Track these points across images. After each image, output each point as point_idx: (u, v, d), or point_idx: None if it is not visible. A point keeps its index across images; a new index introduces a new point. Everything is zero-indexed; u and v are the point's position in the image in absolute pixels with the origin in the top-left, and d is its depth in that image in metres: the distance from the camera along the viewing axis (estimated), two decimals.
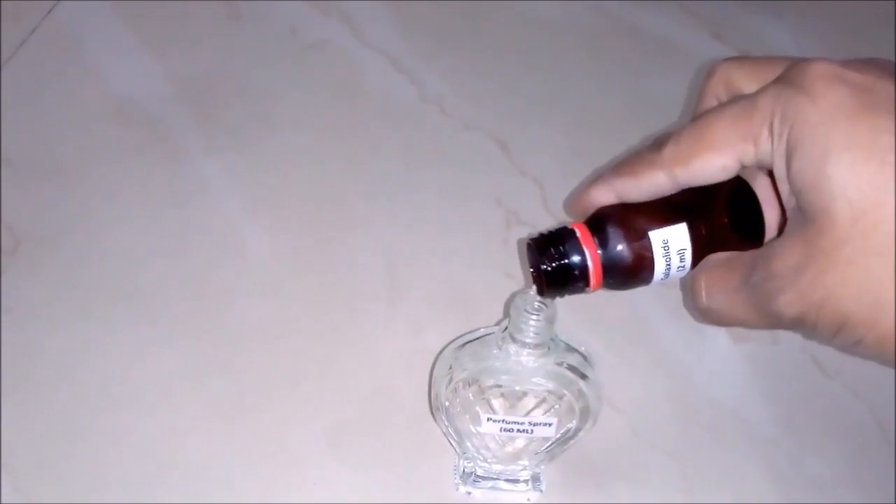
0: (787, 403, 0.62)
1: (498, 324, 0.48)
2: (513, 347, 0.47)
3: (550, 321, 0.46)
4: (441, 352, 0.51)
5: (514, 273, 0.69)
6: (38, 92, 0.78)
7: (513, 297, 0.46)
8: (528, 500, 0.54)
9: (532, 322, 0.46)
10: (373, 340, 0.63)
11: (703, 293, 0.39)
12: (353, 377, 0.61)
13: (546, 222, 0.74)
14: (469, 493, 0.54)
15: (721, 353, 0.65)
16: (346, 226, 0.71)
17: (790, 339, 0.66)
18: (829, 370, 0.65)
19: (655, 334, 0.66)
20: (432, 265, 0.69)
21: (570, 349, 0.49)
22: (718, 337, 0.66)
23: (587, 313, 0.66)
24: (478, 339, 0.49)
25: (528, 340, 0.46)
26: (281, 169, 0.75)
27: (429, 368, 0.58)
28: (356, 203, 0.73)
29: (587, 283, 0.40)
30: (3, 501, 0.53)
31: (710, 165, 0.37)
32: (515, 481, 0.54)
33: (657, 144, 0.38)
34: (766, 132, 0.35)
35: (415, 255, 0.70)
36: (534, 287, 0.42)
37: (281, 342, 0.62)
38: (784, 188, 0.35)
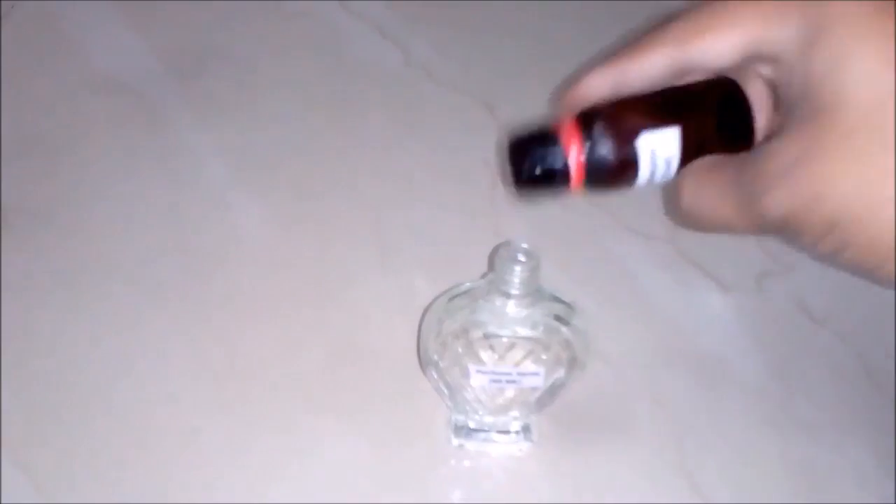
0: (775, 351, 0.63)
1: (484, 276, 0.49)
2: (499, 299, 0.48)
3: (535, 271, 0.47)
4: (429, 306, 0.51)
5: (503, 231, 0.69)
6: (21, 67, 0.78)
7: (497, 248, 0.47)
8: (520, 450, 0.55)
9: (517, 272, 0.46)
10: (363, 301, 0.64)
11: (688, 194, 0.38)
12: (345, 337, 0.61)
13: None
14: (461, 446, 0.55)
15: (708, 302, 0.66)
16: (334, 190, 0.71)
17: (778, 288, 0.67)
18: (817, 317, 0.65)
19: (643, 286, 0.66)
20: (421, 226, 0.69)
21: (556, 299, 0.49)
22: (705, 287, 0.66)
23: (575, 268, 0.67)
24: (465, 292, 0.50)
25: (513, 291, 0.47)
26: (268, 137, 0.75)
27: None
28: (344, 168, 0.73)
29: (567, 185, 0.38)
30: (1, 471, 0.53)
31: (719, 43, 0.36)
32: (507, 433, 0.55)
33: (665, 22, 0.37)
34: (790, 13, 0.34)
35: (404, 217, 0.70)
36: (516, 241, 0.43)
37: (272, 306, 0.63)
38: (795, 79, 0.34)
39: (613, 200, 0.73)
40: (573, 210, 0.72)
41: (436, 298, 0.51)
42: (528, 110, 0.80)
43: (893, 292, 0.68)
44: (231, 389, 0.58)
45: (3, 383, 0.57)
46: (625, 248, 0.69)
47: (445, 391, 0.53)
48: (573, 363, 0.50)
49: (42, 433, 0.55)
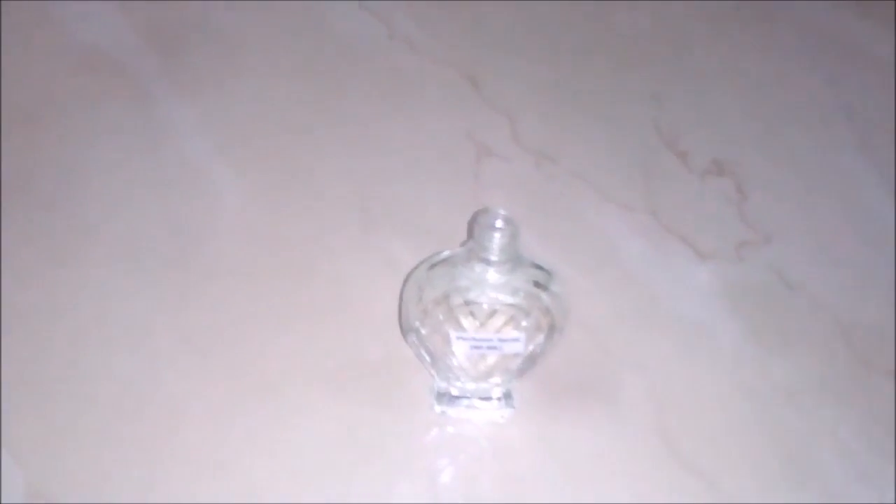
0: (752, 317, 0.64)
1: (463, 244, 0.50)
2: (478, 266, 0.48)
3: (513, 238, 0.47)
4: (410, 274, 0.52)
5: (485, 202, 0.70)
6: (4, 43, 0.77)
7: (475, 216, 0.47)
8: (502, 417, 0.56)
9: (495, 239, 0.47)
10: (346, 270, 0.64)
11: None
12: (328, 307, 0.62)
13: (516, 155, 0.75)
14: (444, 412, 0.56)
15: (687, 270, 0.66)
16: (317, 162, 0.72)
17: (756, 256, 0.68)
18: (795, 283, 0.66)
19: (624, 256, 0.67)
20: (404, 198, 0.70)
21: (535, 266, 0.50)
22: (685, 255, 0.67)
23: (557, 238, 0.67)
24: (444, 259, 0.50)
25: (492, 258, 0.48)
26: (250, 109, 0.75)
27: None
28: (326, 140, 0.74)
29: None
30: None
31: None
32: (489, 399, 0.56)
33: None
34: None
35: (386, 190, 0.70)
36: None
37: (256, 276, 0.63)
38: None
39: (596, 172, 0.74)
40: (555, 182, 0.73)
41: (416, 266, 0.52)
42: (512, 83, 0.81)
43: (869, 259, 0.69)
44: (216, 357, 0.58)
45: None
46: (606, 219, 0.70)
47: (427, 358, 0.53)
48: (553, 329, 0.51)
49: (31, 403, 0.56)
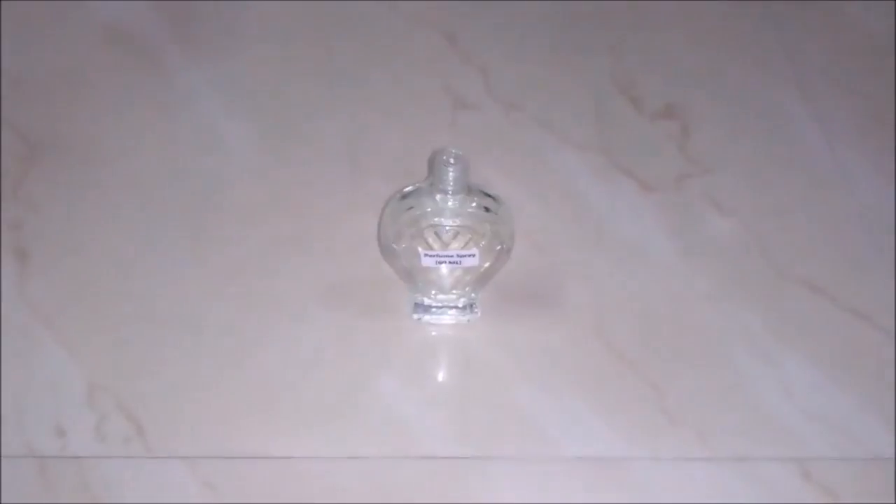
0: (685, 238, 0.75)
1: (426, 179, 0.61)
2: (438, 195, 0.60)
3: (464, 171, 0.58)
4: (386, 204, 0.63)
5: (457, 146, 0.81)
6: (36, 23, 0.89)
7: (433, 155, 0.59)
8: (468, 321, 0.68)
9: (450, 172, 0.58)
10: (337, 206, 0.76)
11: None
12: (324, 236, 0.74)
13: (488, 105, 0.86)
14: (419, 319, 0.68)
15: (631, 200, 0.77)
16: (311, 115, 0.83)
17: (694, 187, 0.79)
18: (725, 209, 0.77)
19: (576, 188, 0.78)
20: (388, 147, 0.81)
21: (485, 194, 0.61)
22: (630, 188, 0.78)
23: (519, 176, 0.78)
24: (412, 191, 0.62)
25: (448, 188, 0.59)
26: (253, 73, 0.87)
27: None
28: (319, 96, 0.85)
29: None
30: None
31: None
32: (456, 307, 0.68)
33: None
34: None
35: (372, 138, 0.82)
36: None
37: (261, 214, 0.75)
38: None
39: (556, 118, 0.84)
40: (521, 127, 0.84)
41: (390, 197, 0.63)
42: (487, 39, 0.91)
43: (796, 187, 0.79)
44: (227, 284, 0.71)
45: (54, 282, 0.70)
46: (563, 158, 0.81)
47: (404, 274, 0.65)
48: (502, 247, 0.62)
49: (91, 319, 0.68)
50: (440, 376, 0.67)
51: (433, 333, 0.68)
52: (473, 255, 0.62)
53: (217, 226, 0.75)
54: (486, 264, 0.64)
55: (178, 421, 0.63)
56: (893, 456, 0.62)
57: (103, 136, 0.81)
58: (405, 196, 0.62)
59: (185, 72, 0.86)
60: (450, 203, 0.60)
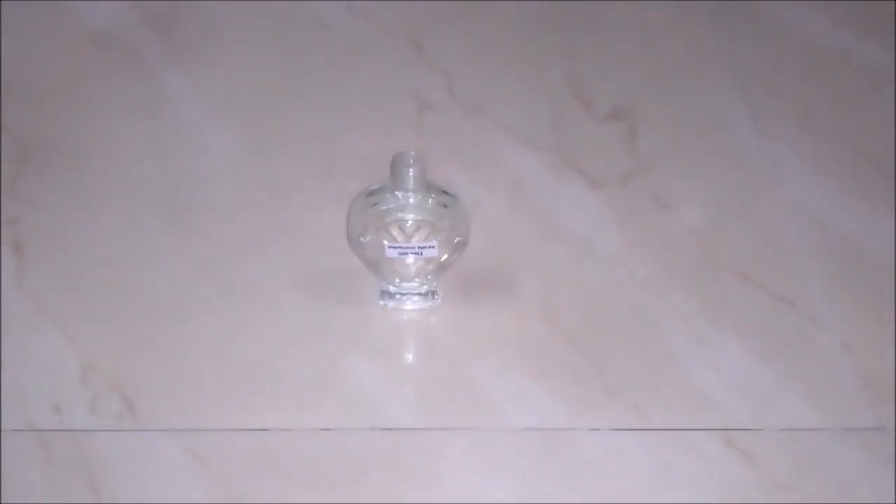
0: (628, 231, 0.82)
1: (388, 178, 0.68)
2: (400, 193, 0.67)
3: (422, 172, 0.65)
4: (353, 200, 0.70)
5: (425, 150, 0.87)
6: (29, 31, 0.95)
7: (394, 157, 0.65)
8: (430, 307, 0.75)
9: (410, 172, 0.65)
10: (311, 204, 0.82)
11: None
12: (298, 229, 0.80)
13: (451, 109, 0.93)
14: (385, 305, 0.74)
15: (580, 196, 0.84)
16: (288, 117, 0.90)
17: (639, 184, 0.86)
18: (666, 205, 0.84)
19: (530, 186, 0.85)
20: (357, 146, 0.88)
21: (443, 192, 0.68)
22: (580, 184, 0.85)
23: (479, 174, 0.85)
24: (377, 189, 0.69)
25: (409, 187, 0.66)
26: (233, 77, 0.93)
27: None
28: (295, 99, 0.91)
29: None
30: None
31: None
32: (419, 294, 0.74)
33: None
34: None
35: (343, 139, 0.88)
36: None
37: (242, 211, 0.82)
38: None
39: (514, 120, 0.91)
40: (481, 129, 0.90)
41: (357, 195, 0.70)
42: (451, 46, 0.98)
43: (732, 185, 0.87)
44: (209, 273, 0.77)
45: (50, 267, 0.76)
46: (519, 157, 0.88)
47: (370, 264, 0.72)
48: (459, 240, 0.69)
49: (78, 300, 0.74)
50: (404, 356, 0.74)
51: (398, 318, 0.75)
52: (433, 247, 0.69)
53: (199, 220, 0.81)
54: (445, 255, 0.70)
55: (166, 398, 0.69)
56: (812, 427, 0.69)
57: (92, 137, 0.87)
58: (370, 193, 0.69)
59: (169, 76, 0.92)
60: (411, 200, 0.67)
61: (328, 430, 0.68)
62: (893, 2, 1.03)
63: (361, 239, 0.70)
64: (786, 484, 0.65)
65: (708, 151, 0.90)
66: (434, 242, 0.69)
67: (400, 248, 0.69)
